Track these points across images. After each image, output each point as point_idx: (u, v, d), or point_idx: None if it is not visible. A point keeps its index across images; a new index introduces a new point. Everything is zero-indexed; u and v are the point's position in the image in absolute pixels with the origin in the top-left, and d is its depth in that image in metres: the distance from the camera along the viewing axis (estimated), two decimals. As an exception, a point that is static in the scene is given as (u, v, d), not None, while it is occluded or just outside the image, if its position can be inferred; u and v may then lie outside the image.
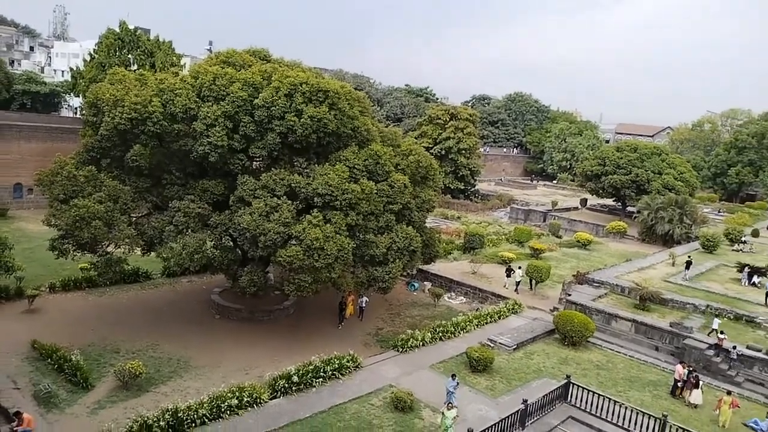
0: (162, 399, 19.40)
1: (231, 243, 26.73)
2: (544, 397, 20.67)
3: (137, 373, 20.09)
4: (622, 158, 64.19)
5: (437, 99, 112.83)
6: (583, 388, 21.38)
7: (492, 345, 26.76)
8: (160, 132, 24.68)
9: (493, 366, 24.19)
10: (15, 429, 16.27)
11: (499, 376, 23.76)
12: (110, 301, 29.12)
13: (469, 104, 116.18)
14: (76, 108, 75.77)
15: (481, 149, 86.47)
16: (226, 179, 26.23)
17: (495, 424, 18.28)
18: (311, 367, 21.61)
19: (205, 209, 25.29)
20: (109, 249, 24.80)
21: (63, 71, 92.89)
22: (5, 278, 27.45)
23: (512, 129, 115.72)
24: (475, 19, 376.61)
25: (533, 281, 36.17)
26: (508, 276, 36.37)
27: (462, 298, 35.65)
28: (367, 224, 25.61)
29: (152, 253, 26.43)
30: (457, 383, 20.63)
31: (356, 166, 25.38)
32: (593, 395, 21.03)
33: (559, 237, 56.10)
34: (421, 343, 26.05)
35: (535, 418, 20.12)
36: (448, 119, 75.33)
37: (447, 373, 23.52)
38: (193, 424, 17.43)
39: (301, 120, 24.33)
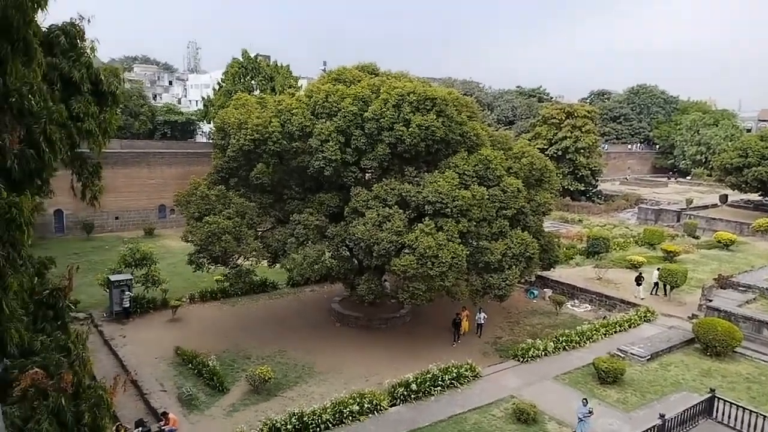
0: (289, 403, 20.38)
1: (348, 253, 27.57)
2: (684, 411, 18.86)
3: (266, 378, 21.33)
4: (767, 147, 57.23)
5: (551, 98, 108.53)
6: (732, 403, 19.22)
7: (622, 355, 24.97)
8: (279, 150, 26.20)
9: (624, 378, 22.55)
10: (163, 428, 17.99)
11: (632, 389, 22.08)
12: (242, 310, 31.29)
13: (587, 101, 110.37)
14: (208, 133, 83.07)
15: (602, 147, 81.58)
16: (341, 192, 27.17)
17: (628, 441, 17.00)
18: (429, 375, 21.59)
19: (323, 221, 26.37)
20: (239, 261, 26.66)
21: (196, 101, 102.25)
22: (153, 290, 30.57)
23: (637, 124, 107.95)
24: (591, 10, 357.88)
25: (667, 286, 33.29)
26: (638, 284, 33.44)
27: (586, 305, 33.70)
28: (479, 231, 25.19)
29: (277, 265, 28.01)
30: (591, 411, 18.25)
31: (466, 172, 25.10)
32: (744, 412, 18.81)
33: (696, 237, 51.14)
34: (543, 353, 24.99)
35: (675, 436, 18.40)
36: (563, 118, 72.01)
37: (572, 385, 22.36)
38: (318, 429, 18.11)
39: (410, 129, 24.58)
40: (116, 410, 19.10)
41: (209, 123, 69.06)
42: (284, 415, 18.34)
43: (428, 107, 25.06)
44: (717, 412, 19.49)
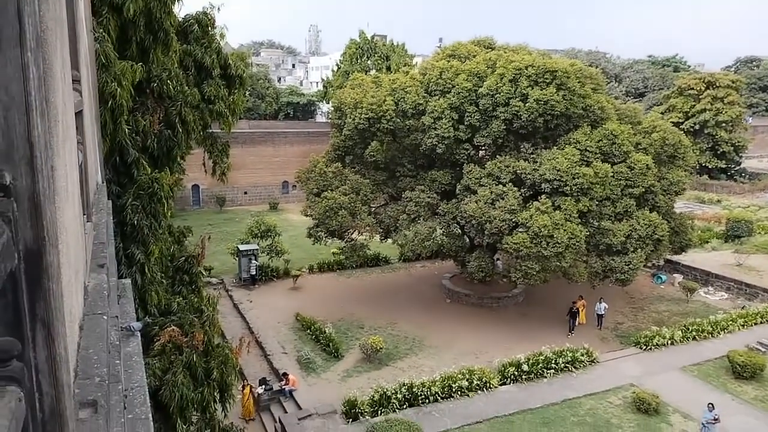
0: (399, 373, 20.99)
1: (459, 230, 27.45)
2: (837, 418, 16.72)
3: (378, 347, 22.10)
4: None
5: (689, 67, 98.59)
6: None
7: (763, 349, 22.59)
8: (393, 128, 26.55)
9: (764, 374, 20.45)
10: (283, 387, 19.39)
11: (773, 387, 19.95)
12: (356, 281, 32.51)
13: (732, 69, 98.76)
14: (327, 113, 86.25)
15: (747, 120, 72.85)
16: (453, 169, 27.00)
17: (766, 443, 15.47)
18: (542, 357, 21.09)
19: (434, 198, 26.44)
20: (354, 236, 27.66)
21: (317, 82, 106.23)
22: (276, 260, 32.72)
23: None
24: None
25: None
26: None
27: (722, 293, 30.72)
28: (602, 210, 23.86)
29: (389, 240, 28.67)
30: (716, 418, 16.50)
31: (588, 148, 23.77)
32: None
33: None
34: (669, 342, 23.34)
35: (825, 443, 16.41)
36: (702, 89, 65.12)
37: (702, 378, 20.70)
38: (426, 400, 18.50)
39: (527, 104, 23.71)
40: (242, 368, 20.93)
41: (328, 103, 71.65)
42: (395, 384, 18.94)
43: (548, 80, 23.96)
44: None
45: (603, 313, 25.89)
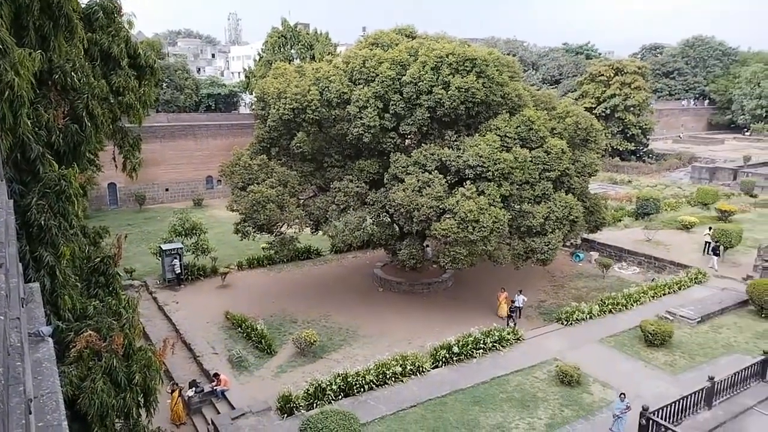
0: (334, 365, 20.99)
1: (388, 219, 27.69)
2: (736, 374, 18.34)
3: (312, 341, 21.97)
4: (838, 98, 53.44)
5: (600, 55, 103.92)
6: (787, 366, 18.56)
7: (671, 318, 24.40)
8: (318, 118, 26.27)
9: (672, 341, 22.10)
10: (214, 388, 18.90)
11: (680, 352, 21.64)
12: (288, 276, 32.11)
13: (638, 56, 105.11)
14: (250, 104, 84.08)
15: (653, 104, 77.91)
16: (380, 158, 27.15)
17: (675, 402, 16.72)
18: (471, 338, 21.72)
19: (363, 188, 26.49)
20: (283, 229, 27.24)
21: (239, 73, 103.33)
22: (203, 258, 31.70)
23: (691, 78, 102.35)
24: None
25: (720, 247, 31.99)
26: (716, 254, 30.60)
27: (635, 268, 32.90)
28: (522, 194, 24.77)
29: (320, 232, 28.49)
30: (628, 406, 16.58)
31: (508, 135, 24.56)
32: (800, 375, 18.16)
33: (754, 196, 48.77)
34: (588, 316, 24.70)
35: (725, 398, 17.99)
36: (612, 75, 69.08)
37: (618, 348, 22.08)
38: (362, 389, 18.63)
39: (449, 92, 24.15)
40: (171, 371, 20.21)
41: (251, 94, 69.83)
42: (329, 375, 18.93)
43: (468, 68, 24.51)
44: (771, 375, 18.87)
45: (522, 305, 25.57)
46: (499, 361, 20.98)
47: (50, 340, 5.85)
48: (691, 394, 17.14)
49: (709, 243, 32.29)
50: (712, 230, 32.61)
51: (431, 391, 18.88)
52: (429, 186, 23.96)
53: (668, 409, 16.33)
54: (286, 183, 26.57)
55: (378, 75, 25.38)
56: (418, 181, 24.22)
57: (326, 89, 25.75)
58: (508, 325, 24.14)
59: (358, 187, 26.25)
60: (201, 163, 54.28)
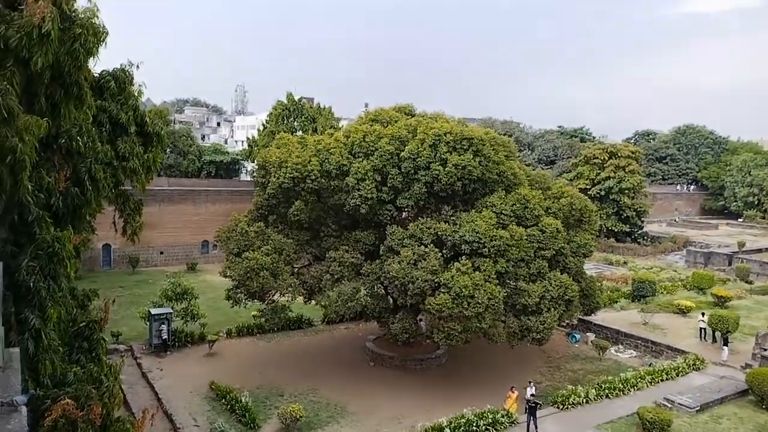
0: (319, 444, 20.12)
1: (382, 291, 27.48)
2: (737, 470, 17.61)
3: (298, 416, 21.17)
4: (826, 188, 54.69)
5: (594, 138, 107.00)
6: (791, 463, 17.84)
7: (669, 406, 23.69)
8: (317, 188, 26.68)
9: (671, 430, 21.32)
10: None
11: (679, 443, 20.85)
12: (277, 346, 31.39)
13: (631, 141, 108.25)
14: (251, 171, 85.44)
15: (647, 188, 79.41)
16: (377, 230, 27.33)
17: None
18: (463, 420, 21.01)
19: (358, 258, 26.47)
20: (275, 297, 26.93)
21: (242, 141, 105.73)
22: (191, 325, 31.10)
23: (684, 164, 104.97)
24: (637, 49, 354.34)
25: (716, 333, 31.59)
26: (725, 344, 29.52)
27: (631, 351, 32.28)
28: (517, 271, 24.74)
29: (313, 301, 28.16)
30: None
31: (504, 212, 24.88)
32: (805, 473, 17.42)
33: (750, 282, 48.69)
34: (584, 401, 23.99)
35: (728, 496, 17.15)
36: (606, 158, 70.83)
37: (615, 435, 21.27)
38: (347, 471, 17.76)
39: (446, 168, 24.69)
40: (149, 444, 19.27)
41: (253, 162, 71.18)
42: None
43: (465, 147, 25.18)
44: (775, 471, 18.12)
45: (533, 398, 22.73)
46: (491, 446, 20.15)
47: (24, 409, 5.64)
48: (692, 490, 16.36)
49: (704, 329, 31.91)
50: (705, 315, 32.32)
51: (420, 476, 18.00)
52: (424, 259, 23.97)
53: (668, 505, 15.53)
54: (282, 250, 26.56)
55: (377, 149, 26.02)
56: (413, 253, 24.25)
57: (326, 160, 26.30)
58: (528, 426, 21.27)
59: (353, 257, 26.23)
60: (198, 227, 54.45)
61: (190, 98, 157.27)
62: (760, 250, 61.01)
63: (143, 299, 37.56)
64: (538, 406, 21.22)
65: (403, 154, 25.59)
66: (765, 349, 27.64)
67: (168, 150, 64.36)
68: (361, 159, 26.23)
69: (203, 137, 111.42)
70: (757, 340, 29.26)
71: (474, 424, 20.87)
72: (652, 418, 21.18)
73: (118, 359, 21.70)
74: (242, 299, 26.24)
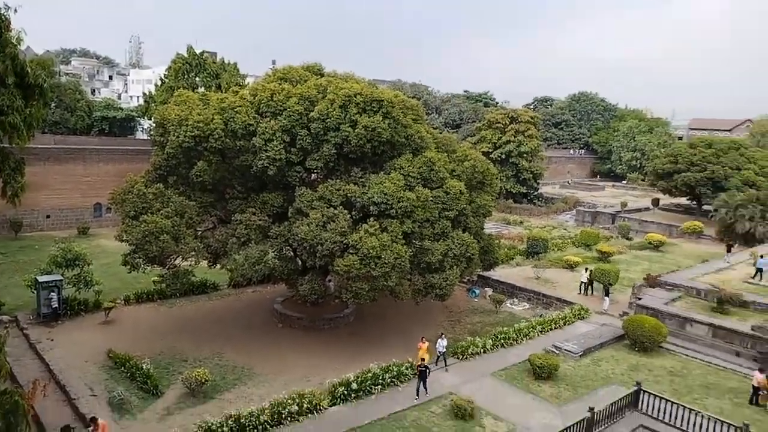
0: (226, 405, 20.03)
1: (291, 253, 27.36)
2: (612, 404, 19.79)
3: (203, 380, 20.86)
4: (695, 155, 60.82)
5: (497, 103, 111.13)
6: (656, 395, 20.31)
7: (557, 352, 25.90)
8: (221, 148, 25.70)
9: (557, 373, 23.40)
10: (91, 433, 17.29)
11: (564, 384, 22.95)
12: (179, 311, 30.47)
13: (531, 107, 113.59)
14: (148, 130, 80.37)
15: (543, 152, 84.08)
16: (285, 191, 26.95)
17: (559, 433, 17.67)
18: (370, 374, 21.71)
19: (266, 221, 26.07)
20: (177, 262, 25.97)
21: (138, 97, 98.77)
22: (85, 292, 29.33)
23: (577, 130, 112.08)
24: (538, 20, 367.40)
25: (591, 285, 34.65)
26: (607, 295, 32.39)
27: (525, 304, 34.75)
28: (422, 232, 25.52)
29: (218, 265, 27.49)
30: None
31: (411, 174, 25.40)
32: (667, 403, 19.93)
33: (630, 239, 53.67)
34: (481, 351, 25.59)
35: (603, 427, 19.30)
36: (507, 123, 74.01)
37: (509, 381, 23.01)
38: (255, 430, 17.89)
39: (356, 130, 24.66)
40: (41, 416, 18.29)
41: (150, 119, 66.95)
42: (220, 417, 18.02)
43: (375, 109, 25.22)
44: (642, 404, 20.52)
45: (444, 350, 24.24)
46: (397, 397, 21.08)
47: None
48: (573, 425, 18.19)
49: (584, 283, 34.81)
50: (588, 271, 35.28)
51: (328, 429, 18.53)
52: (333, 221, 24.07)
53: (553, 440, 17.18)
54: (183, 213, 25.51)
55: (286, 109, 25.42)
56: (322, 215, 24.26)
57: (231, 120, 25.33)
58: (418, 393, 21.17)
59: (260, 220, 25.78)
60: (89, 189, 50.79)
61: (78, 48, 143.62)
62: (639, 210, 67.13)
63: (29, 266, 34.87)
64: (428, 370, 21.29)
65: (312, 114, 25.21)
66: (639, 299, 30.80)
67: (53, 104, 58.83)
68: (268, 119, 25.53)
69: (93, 91, 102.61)
70: (633, 290, 32.51)
71: (380, 378, 21.67)
72: (541, 363, 23.09)
73: (2, 330, 20.20)
74: (140, 264, 25.04)
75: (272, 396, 19.80)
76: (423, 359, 22.14)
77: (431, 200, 25.18)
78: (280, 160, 25.03)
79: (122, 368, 22.42)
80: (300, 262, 27.58)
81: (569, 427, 18.07)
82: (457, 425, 19.31)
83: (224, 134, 25.17)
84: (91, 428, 17.35)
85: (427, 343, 23.55)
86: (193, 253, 25.02)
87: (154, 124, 29.47)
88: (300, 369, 23.91)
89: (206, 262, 27.07)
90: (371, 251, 22.82)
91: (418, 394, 21.16)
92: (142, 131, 78.70)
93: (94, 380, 21.76)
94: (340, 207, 24.71)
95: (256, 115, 25.84)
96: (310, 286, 25.81)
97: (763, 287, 32.70)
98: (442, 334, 24.93)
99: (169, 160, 27.06)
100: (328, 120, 24.89)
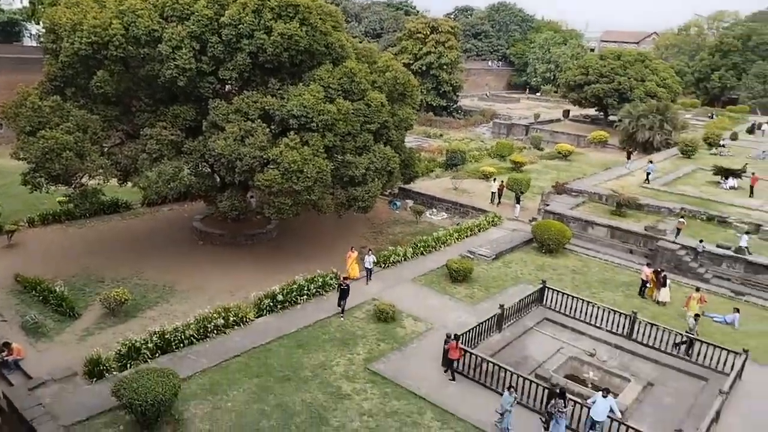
0: (149, 323, 19.93)
1: (208, 169, 26.52)
2: (520, 301, 21.59)
3: (123, 299, 20.50)
4: (605, 66, 63.26)
5: (417, 12, 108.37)
6: (558, 291, 22.34)
7: (472, 256, 27.48)
8: (124, 56, 23.66)
9: (472, 276, 24.98)
10: (5, 359, 16.79)
11: (478, 285, 24.61)
12: (91, 232, 29.15)
13: (451, 16, 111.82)
14: (37, 35, 72.11)
15: (463, 63, 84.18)
16: (198, 104, 25.59)
17: (473, 328, 19.21)
18: (295, 286, 22.17)
19: (178, 136, 24.86)
20: (84, 180, 24.51)
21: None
22: (-18, 215, 27.27)
23: (496, 41, 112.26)
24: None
25: (501, 196, 36.36)
26: (518, 202, 34.52)
27: (443, 214, 36.13)
28: (344, 145, 25.39)
29: (129, 183, 26.24)
30: (515, 400, 15.33)
31: (331, 86, 24.78)
32: (567, 297, 22.02)
33: (541, 149, 56.18)
34: (402, 259, 26.67)
35: (512, 321, 21.13)
36: (428, 33, 72.75)
37: (428, 285, 24.33)
38: (181, 345, 18.06)
39: (271, 38, 23.44)
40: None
41: (38, 24, 59.90)
42: (144, 334, 17.98)
43: (291, 14, 23.96)
44: (547, 299, 22.55)
45: (371, 267, 24.30)
46: (322, 305, 21.80)
47: None
48: (485, 321, 19.82)
49: (494, 193, 36.31)
50: (497, 181, 36.73)
51: (255, 339, 19.03)
52: (252, 135, 23.36)
53: (467, 335, 18.69)
54: (86, 128, 23.75)
55: (193, 13, 23.64)
56: (239, 129, 23.45)
57: (133, 24, 23.20)
58: (342, 311, 21.18)
59: (172, 134, 24.54)
60: (-27, 102, 45.69)
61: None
62: (551, 121, 69.89)
63: None
64: (348, 288, 21.13)
65: (223, 19, 23.61)
66: (547, 205, 32.84)
67: None
68: (174, 24, 23.65)
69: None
70: (542, 198, 34.53)
71: (305, 288, 22.22)
72: (457, 267, 24.50)
73: None
74: (43, 184, 23.40)
75: (197, 312, 19.84)
76: (345, 277, 22.20)
77: (352, 113, 24.87)
78: (190, 70, 23.54)
79: (33, 292, 21.50)
80: (218, 179, 26.86)
81: (482, 322, 19.65)
82: (380, 327, 20.42)
83: (125, 41, 23.13)
84: (4, 353, 16.83)
85: (356, 253, 24.20)
86: (100, 170, 23.62)
87: (44, 30, 26.47)
88: (224, 285, 23.98)
89: (116, 180, 25.71)
90: (292, 165, 22.54)
91: (343, 312, 21.11)
92: (30, 37, 70.54)
93: (3, 305, 20.77)
94: (258, 120, 23.94)
95: (161, 20, 23.83)
96: (231, 202, 25.35)
97: (657, 191, 35.78)
98: (369, 250, 25.13)
99: (65, 69, 24.69)
100: (241, 26, 23.44)
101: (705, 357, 19.11)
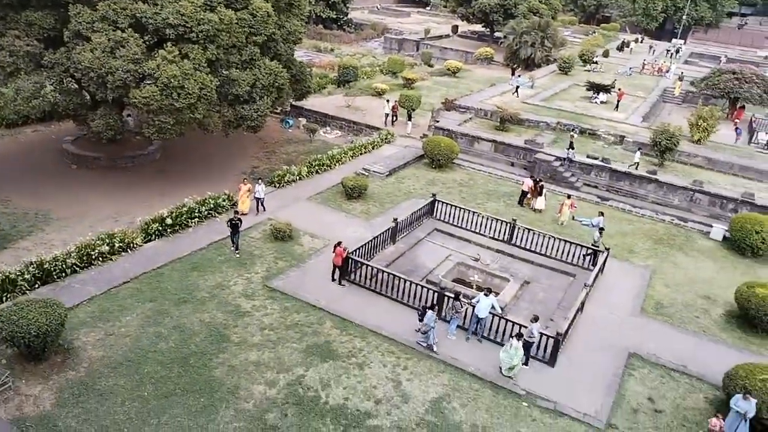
0: (24, 254, 18.48)
1: (75, 85, 24.04)
2: (412, 214, 22.54)
3: (-10, 231, 18.73)
4: (491, -19, 63.77)
5: None
6: (447, 203, 23.53)
7: (366, 173, 27.90)
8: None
9: (367, 192, 25.47)
10: None
11: (373, 201, 25.23)
12: (-60, 159, 25.80)
13: None
14: None
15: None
16: (56, 10, 22.74)
17: (368, 242, 19.90)
18: (185, 208, 21.34)
19: (36, 47, 22.14)
20: None
21: None
22: None
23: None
24: None
25: (396, 116, 36.79)
26: (410, 119, 35.09)
27: (337, 132, 35.91)
28: (229, 59, 24.02)
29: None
30: (436, 318, 15.71)
31: (211, -8, 22.88)
32: (455, 209, 23.31)
33: (431, 66, 56.61)
34: (297, 178, 26.46)
35: (405, 234, 22.12)
36: (314, -62, 68.44)
37: (323, 203, 24.53)
38: (63, 274, 17.03)
39: (136, -66, 20.93)
40: None
41: None
42: (20, 265, 16.70)
43: None
44: (437, 211, 23.73)
45: (263, 196, 22.85)
46: (216, 227, 21.28)
47: None
48: (380, 234, 20.56)
49: (387, 114, 36.42)
50: (390, 102, 36.71)
51: (145, 265, 18.37)
52: (123, 46, 21.34)
53: (363, 248, 19.38)
54: None
55: None
56: (108, 40, 21.28)
57: None
58: (237, 248, 19.75)
59: (28, 45, 21.80)
60: None
61: None
62: (440, 37, 70.15)
63: None
64: (240, 223, 19.82)
65: None
66: (437, 122, 33.71)
67: None
68: None
69: None
70: (432, 114, 35.31)
71: (196, 211, 21.49)
72: (352, 185, 24.83)
73: None
74: None
75: (77, 239, 18.64)
76: (236, 211, 21.32)
77: (236, 23, 23.35)
78: (43, -31, 20.62)
79: None
80: (88, 96, 24.51)
81: (377, 236, 20.38)
82: (277, 246, 20.49)
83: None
84: None
85: (249, 185, 22.62)
86: (-58, 86, 20.62)
87: None
88: (105, 210, 22.56)
89: (-37, 98, 22.64)
90: (172, 81, 21.07)
91: (237, 249, 19.75)
92: None
93: None
94: (130, 30, 21.82)
95: None
96: (104, 121, 23.41)
97: (537, 106, 37.85)
98: (259, 179, 23.44)
99: None
100: None
101: (573, 256, 21.39)
